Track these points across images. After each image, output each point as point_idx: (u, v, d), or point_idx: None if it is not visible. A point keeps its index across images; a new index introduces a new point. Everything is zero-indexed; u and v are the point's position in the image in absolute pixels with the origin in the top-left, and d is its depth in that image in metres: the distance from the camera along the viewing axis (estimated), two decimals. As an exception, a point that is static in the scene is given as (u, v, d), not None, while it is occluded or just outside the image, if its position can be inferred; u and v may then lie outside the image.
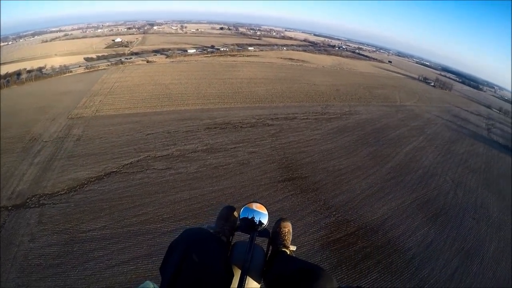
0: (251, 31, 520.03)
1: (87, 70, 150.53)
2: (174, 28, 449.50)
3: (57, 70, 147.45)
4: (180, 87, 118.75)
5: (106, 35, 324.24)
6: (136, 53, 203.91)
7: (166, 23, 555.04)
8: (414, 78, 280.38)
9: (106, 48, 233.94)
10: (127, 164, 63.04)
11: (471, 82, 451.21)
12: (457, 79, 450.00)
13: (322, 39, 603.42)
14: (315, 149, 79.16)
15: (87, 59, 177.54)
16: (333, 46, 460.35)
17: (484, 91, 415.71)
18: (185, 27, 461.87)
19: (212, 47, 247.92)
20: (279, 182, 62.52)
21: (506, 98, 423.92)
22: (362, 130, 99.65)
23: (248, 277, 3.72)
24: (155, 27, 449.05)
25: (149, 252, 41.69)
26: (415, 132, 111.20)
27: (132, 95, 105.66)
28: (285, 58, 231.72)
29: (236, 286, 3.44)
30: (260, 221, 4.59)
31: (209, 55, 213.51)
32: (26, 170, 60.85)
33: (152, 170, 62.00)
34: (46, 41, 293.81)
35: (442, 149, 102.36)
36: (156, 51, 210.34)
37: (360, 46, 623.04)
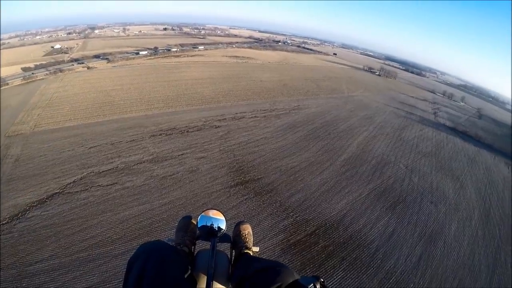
0: (196, 30, 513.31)
1: (24, 81, 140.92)
2: (116, 31, 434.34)
3: None
4: (122, 93, 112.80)
5: (45, 42, 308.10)
6: (77, 60, 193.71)
7: (108, 26, 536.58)
8: (359, 69, 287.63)
9: (44, 55, 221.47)
10: (70, 183, 57.84)
11: (414, 69, 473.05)
12: (401, 67, 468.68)
13: (267, 35, 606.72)
14: (266, 148, 76.75)
15: (24, 69, 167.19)
16: (278, 42, 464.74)
17: (427, 77, 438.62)
18: (128, 30, 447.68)
19: (155, 48, 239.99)
20: (232, 187, 59.66)
21: (448, 82, 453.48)
22: (312, 124, 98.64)
23: (215, 283, 3.85)
24: (96, 31, 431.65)
25: (102, 279, 38.45)
26: (365, 122, 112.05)
27: (72, 105, 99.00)
28: (230, 56, 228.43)
29: None
30: (219, 227, 4.60)
31: (152, 57, 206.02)
32: (-38, 202, 55.94)
33: (97, 187, 57.27)
34: None
35: (393, 136, 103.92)
36: (97, 56, 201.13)
37: (305, 40, 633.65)
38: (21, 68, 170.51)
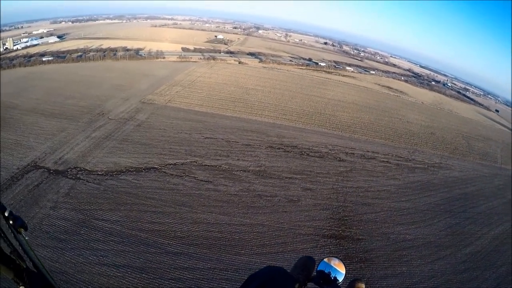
0: (355, 51, 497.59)
1: (178, 60, 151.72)
2: (278, 35, 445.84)
3: (152, 54, 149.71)
4: (260, 95, 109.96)
5: (211, 31, 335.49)
6: (232, 52, 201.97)
7: (273, 29, 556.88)
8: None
9: (206, 42, 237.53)
10: (171, 165, 58.59)
11: None
12: None
13: (428, 72, 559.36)
14: (383, 205, 63.92)
15: (183, 49, 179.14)
16: (438, 82, 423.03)
17: None
18: (290, 36, 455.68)
19: (310, 60, 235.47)
20: (323, 237, 50.80)
21: None
22: (449, 191, 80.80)
23: None
24: (260, 31, 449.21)
25: (142, 266, 38.39)
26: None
27: (209, 92, 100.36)
28: (383, 86, 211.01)
29: None
30: (335, 277, 4.27)
31: (303, 67, 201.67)
32: (81, 141, 62.44)
33: (191, 178, 56.35)
34: (155, 26, 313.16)
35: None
36: (251, 54, 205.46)
37: (467, 87, 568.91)
38: (181, 48, 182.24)
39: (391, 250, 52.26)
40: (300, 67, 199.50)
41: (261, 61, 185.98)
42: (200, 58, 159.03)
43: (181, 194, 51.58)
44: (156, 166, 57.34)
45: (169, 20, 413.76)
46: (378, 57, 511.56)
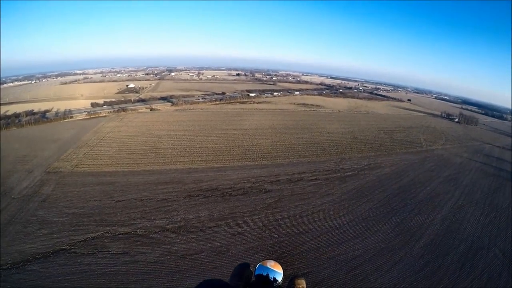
0: (268, 76, 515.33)
1: (87, 117, 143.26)
2: (191, 74, 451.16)
3: (59, 114, 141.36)
4: (173, 140, 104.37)
5: (122, 80, 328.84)
6: (143, 100, 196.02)
7: (186, 69, 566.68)
8: (436, 115, 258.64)
9: (116, 93, 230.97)
10: (81, 242, 50.27)
11: (494, 112, 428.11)
12: (479, 111, 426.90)
13: (339, 81, 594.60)
14: (322, 227, 58.72)
15: (93, 105, 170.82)
16: (350, 88, 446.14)
17: (509, 120, 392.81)
18: (202, 74, 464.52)
19: (223, 93, 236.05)
20: None
21: None
22: (385, 190, 78.62)
23: None
24: (172, 74, 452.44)
25: None
26: (449, 186, 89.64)
27: (119, 148, 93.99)
28: (298, 104, 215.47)
29: None
30: (274, 278, 4.58)
31: (217, 102, 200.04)
32: (-20, 233, 53.37)
33: (105, 253, 48.04)
34: (65, 83, 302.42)
35: (484, 205, 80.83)
36: (163, 98, 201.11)
37: (377, 86, 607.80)
38: (91, 103, 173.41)
39: (343, 273, 46.75)
40: (214, 103, 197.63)
41: (173, 104, 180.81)
42: (110, 112, 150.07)
43: (96, 275, 43.43)
44: (65, 247, 48.86)
45: (80, 75, 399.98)
46: (290, 78, 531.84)
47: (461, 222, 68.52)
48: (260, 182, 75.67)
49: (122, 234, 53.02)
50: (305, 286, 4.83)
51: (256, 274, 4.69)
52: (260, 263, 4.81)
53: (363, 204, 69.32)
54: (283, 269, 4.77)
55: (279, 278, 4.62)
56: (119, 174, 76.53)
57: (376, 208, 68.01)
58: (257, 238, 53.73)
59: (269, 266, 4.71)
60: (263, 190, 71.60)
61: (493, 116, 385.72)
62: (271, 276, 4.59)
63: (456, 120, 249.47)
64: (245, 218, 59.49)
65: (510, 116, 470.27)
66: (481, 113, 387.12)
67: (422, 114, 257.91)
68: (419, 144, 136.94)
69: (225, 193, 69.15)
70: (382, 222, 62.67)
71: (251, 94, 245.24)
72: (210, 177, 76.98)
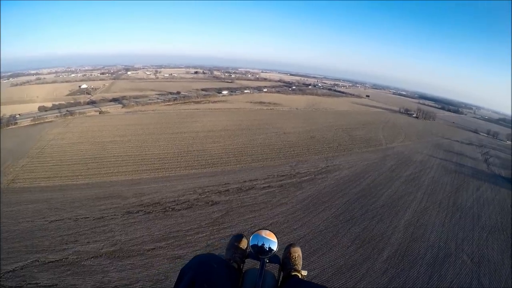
0: (226, 74, 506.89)
1: (32, 123, 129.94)
2: (148, 73, 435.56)
3: (3, 121, 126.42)
4: (118, 147, 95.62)
5: (76, 81, 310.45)
6: (94, 102, 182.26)
7: (143, 68, 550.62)
8: (395, 111, 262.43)
9: (67, 95, 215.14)
10: (9, 272, 42.56)
11: (450, 107, 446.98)
12: (436, 105, 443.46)
13: (298, 78, 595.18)
14: (275, 243, 52.44)
15: (40, 109, 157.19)
16: (308, 85, 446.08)
17: (465, 114, 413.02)
18: (159, 72, 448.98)
19: (178, 93, 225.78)
20: None
21: (486, 117, 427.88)
22: (344, 195, 73.57)
23: None
24: (129, 73, 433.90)
25: None
26: (411, 186, 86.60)
27: (60, 158, 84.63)
28: (255, 102, 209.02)
29: None
30: (269, 248, 4.54)
31: (171, 103, 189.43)
32: None
33: (33, 286, 40.52)
34: (16, 85, 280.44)
35: (448, 206, 78.27)
36: (115, 99, 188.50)
37: (336, 83, 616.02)
38: (38, 107, 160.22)
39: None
40: (167, 103, 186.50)
41: (123, 106, 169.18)
42: (57, 116, 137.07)
43: (21, 314, 36.20)
44: (-8, 279, 41.13)
45: (33, 75, 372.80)
46: (249, 75, 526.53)
47: (426, 227, 64.73)
48: (208, 193, 68.60)
49: (53, 261, 45.22)
50: (300, 254, 4.88)
51: (251, 244, 4.54)
52: (255, 233, 4.61)
53: (320, 213, 63.58)
54: (277, 238, 4.57)
55: (274, 247, 4.50)
56: (56, 189, 67.62)
57: (335, 217, 62.49)
58: None
59: (264, 236, 4.56)
60: (210, 202, 64.50)
61: (449, 110, 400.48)
62: (266, 245, 4.47)
63: (414, 115, 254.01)
64: (187, 238, 52.31)
65: (465, 109, 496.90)
66: (438, 108, 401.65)
67: (381, 110, 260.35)
68: (378, 141, 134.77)
69: (167, 208, 61.65)
70: (341, 234, 57.18)
71: (206, 93, 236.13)
72: (153, 189, 69.25)
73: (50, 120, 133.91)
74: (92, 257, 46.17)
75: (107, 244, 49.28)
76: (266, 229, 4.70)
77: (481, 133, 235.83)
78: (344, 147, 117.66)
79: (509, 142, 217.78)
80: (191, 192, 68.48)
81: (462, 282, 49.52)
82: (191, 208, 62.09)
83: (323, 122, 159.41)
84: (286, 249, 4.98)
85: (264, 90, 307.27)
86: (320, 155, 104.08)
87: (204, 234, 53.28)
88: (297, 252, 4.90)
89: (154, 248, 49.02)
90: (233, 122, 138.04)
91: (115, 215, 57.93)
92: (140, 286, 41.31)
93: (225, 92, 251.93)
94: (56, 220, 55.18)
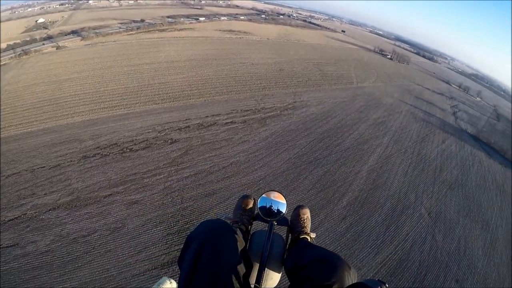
0: (196, 0, 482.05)
1: None
2: (111, 0, 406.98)
3: None
4: (75, 85, 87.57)
5: (33, 15, 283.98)
6: (50, 37, 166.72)
7: None
8: (369, 50, 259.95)
9: (22, 32, 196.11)
10: None
11: (426, 53, 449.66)
12: (412, 50, 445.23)
13: (272, 7, 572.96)
14: (233, 185, 50.47)
15: None
16: (283, 14, 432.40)
17: (439, 63, 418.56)
18: None
19: (142, 21, 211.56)
20: (165, 266, 36.32)
21: (459, 70, 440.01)
22: (309, 135, 71.95)
23: (269, 265, 3.90)
24: (90, 1, 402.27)
25: None
26: (378, 130, 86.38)
27: (15, 104, 75.65)
28: (224, 30, 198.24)
29: (256, 275, 3.67)
30: (278, 210, 4.54)
31: (133, 32, 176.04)
32: None
33: None
34: None
35: (413, 155, 79.19)
36: (74, 32, 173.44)
37: (312, 14, 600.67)
38: None
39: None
40: (129, 32, 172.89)
41: (83, 38, 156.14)
42: (11, 58, 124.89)
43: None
44: None
45: None
46: (220, 2, 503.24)
47: (388, 175, 64.89)
48: (167, 130, 64.88)
49: (12, 219, 41.64)
50: (309, 216, 4.89)
51: (259, 206, 4.50)
52: (263, 194, 4.56)
53: (283, 153, 61.93)
54: (286, 200, 4.54)
55: (283, 209, 4.50)
56: (11, 139, 60.82)
57: (298, 158, 61.10)
58: (157, 206, 44.76)
59: (272, 198, 4.51)
60: (169, 141, 61.15)
61: (424, 56, 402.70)
62: (274, 207, 4.44)
63: (389, 56, 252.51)
64: (145, 180, 49.48)
65: (440, 58, 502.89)
66: (413, 52, 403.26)
67: (355, 47, 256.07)
68: (350, 80, 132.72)
69: (125, 149, 57.84)
70: (303, 176, 56.10)
71: (172, 20, 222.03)
72: (111, 129, 64.52)
73: (3, 63, 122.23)
74: (50, 210, 43.05)
75: (64, 194, 46.00)
76: (274, 190, 4.61)
77: (453, 85, 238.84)
78: (314, 82, 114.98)
79: (479, 99, 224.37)
80: (150, 130, 64.60)
81: (417, 235, 50.68)
82: (149, 147, 58.71)
83: (294, 55, 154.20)
84: (295, 210, 4.91)
85: (241, 17, 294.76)
86: (288, 89, 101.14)
87: (161, 176, 50.66)
88: (306, 214, 4.83)
89: (111, 194, 46.26)
90: (198, 52, 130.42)
91: (71, 161, 53.85)
92: (98, 236, 39.24)
93: (192, 19, 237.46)
94: (13, 174, 50.76)
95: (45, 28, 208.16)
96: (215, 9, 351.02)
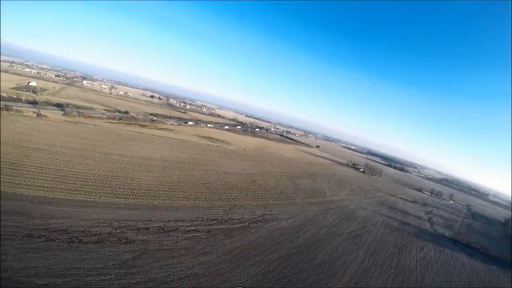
0: (182, 104, 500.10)
1: None
2: (104, 86, 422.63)
3: None
4: (43, 158, 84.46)
5: (28, 76, 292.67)
6: (35, 102, 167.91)
7: (101, 80, 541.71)
8: (343, 164, 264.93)
9: (12, 88, 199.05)
10: None
11: (397, 164, 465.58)
12: (383, 162, 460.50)
13: (253, 120, 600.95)
14: (187, 302, 43.24)
15: None
16: (261, 128, 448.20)
17: (410, 172, 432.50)
18: (115, 88, 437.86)
19: (126, 112, 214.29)
20: None
21: (430, 177, 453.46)
22: (278, 250, 65.85)
23: None
24: (84, 82, 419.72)
25: None
26: (352, 244, 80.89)
27: None
28: (203, 137, 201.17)
29: None
30: None
31: (115, 121, 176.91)
32: None
33: None
34: None
35: (390, 267, 73.65)
36: (59, 105, 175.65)
37: (289, 130, 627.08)
38: None
39: None
40: (111, 121, 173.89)
41: (65, 113, 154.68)
42: None
43: None
44: None
45: None
46: (204, 109, 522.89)
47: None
48: (124, 228, 58.64)
49: None
50: None
51: None
52: None
53: (248, 268, 55.11)
54: None
55: None
56: None
57: (264, 275, 54.09)
58: None
59: None
60: (124, 240, 54.55)
61: (395, 167, 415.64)
62: None
63: (362, 169, 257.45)
64: (88, 278, 42.19)
65: (411, 168, 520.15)
66: (384, 164, 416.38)
67: (329, 161, 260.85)
68: (323, 193, 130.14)
69: (74, 238, 51.19)
70: (269, 296, 49.02)
71: (154, 118, 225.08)
72: (64, 213, 58.47)
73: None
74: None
75: None
76: (240, 286, 7.89)
77: (425, 192, 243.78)
78: (286, 195, 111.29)
79: (451, 202, 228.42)
80: (105, 224, 58.41)
81: None
82: (101, 243, 52.01)
83: (269, 167, 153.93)
84: None
85: (221, 127, 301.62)
86: (259, 201, 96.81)
87: (107, 278, 43.46)
88: None
89: (47, 284, 39.09)
90: (173, 153, 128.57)
91: (14, 235, 47.24)
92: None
93: (174, 122, 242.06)
94: None
95: (34, 92, 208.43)
96: (199, 116, 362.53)
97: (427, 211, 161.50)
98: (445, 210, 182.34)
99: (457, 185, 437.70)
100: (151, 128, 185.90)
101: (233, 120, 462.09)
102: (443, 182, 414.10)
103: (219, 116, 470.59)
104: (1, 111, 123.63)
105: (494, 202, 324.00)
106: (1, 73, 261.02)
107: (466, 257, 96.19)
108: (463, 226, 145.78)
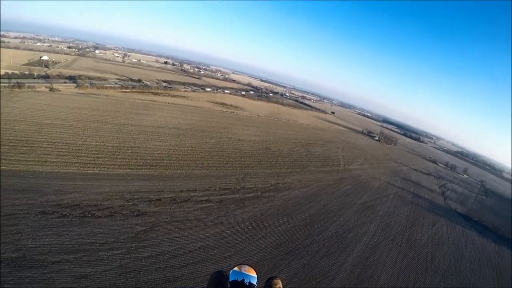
0: (196, 69, 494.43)
1: None
2: (116, 55, 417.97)
3: None
4: (55, 132, 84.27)
5: (39, 50, 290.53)
6: (47, 77, 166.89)
7: (114, 49, 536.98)
8: (358, 131, 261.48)
9: (24, 64, 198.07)
10: None
11: (412, 134, 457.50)
12: (399, 131, 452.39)
13: (267, 85, 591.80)
14: (197, 273, 43.37)
15: None
16: (276, 93, 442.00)
17: (425, 143, 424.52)
18: (128, 56, 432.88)
19: (139, 81, 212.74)
20: None
21: (445, 148, 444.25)
22: (290, 221, 65.62)
23: None
24: (97, 51, 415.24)
25: None
26: (364, 216, 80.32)
27: None
28: (217, 103, 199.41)
29: None
30: (250, 283, 4.43)
31: (128, 90, 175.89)
32: None
33: None
34: None
35: (401, 243, 72.68)
36: (71, 77, 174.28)
37: (304, 95, 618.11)
38: None
39: None
40: (124, 90, 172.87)
41: (77, 86, 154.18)
42: (4, 87, 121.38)
43: None
44: None
45: None
46: (219, 74, 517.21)
47: (376, 267, 58.27)
48: (136, 200, 58.72)
49: None
50: (281, 286, 4.61)
51: (230, 280, 4.34)
52: (234, 268, 4.44)
53: (259, 239, 55.15)
54: (257, 273, 4.42)
55: (254, 282, 4.37)
56: None
57: (275, 247, 54.12)
58: (107, 286, 37.48)
59: (243, 271, 4.42)
60: (136, 212, 54.70)
61: (411, 137, 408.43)
62: (246, 281, 4.33)
63: (376, 138, 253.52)
64: (100, 253, 42.57)
65: (426, 138, 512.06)
66: (400, 133, 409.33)
67: (344, 128, 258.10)
68: (337, 161, 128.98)
69: (86, 213, 51.53)
70: (279, 269, 48.99)
71: (168, 86, 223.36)
72: (77, 188, 58.70)
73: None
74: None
75: (10, 249, 39.85)
76: (245, 264, 4.45)
77: (440, 164, 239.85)
78: (300, 163, 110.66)
79: (466, 176, 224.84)
80: (117, 197, 58.58)
81: None
82: (113, 216, 52.32)
83: (283, 134, 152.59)
84: (267, 282, 4.57)
85: (235, 92, 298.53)
86: (272, 169, 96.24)
87: (119, 251, 43.80)
88: (278, 284, 4.51)
89: (60, 261, 39.59)
90: (186, 121, 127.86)
91: (27, 213, 47.80)
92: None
93: (188, 88, 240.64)
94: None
95: (46, 66, 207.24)
96: (213, 81, 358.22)
97: (440, 184, 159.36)
98: (459, 184, 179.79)
99: (472, 159, 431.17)
100: (164, 95, 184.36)
101: (247, 84, 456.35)
102: (458, 155, 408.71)
103: (233, 81, 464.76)
104: (13, 89, 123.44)
105: (508, 179, 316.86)
106: (14, 50, 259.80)
107: (477, 235, 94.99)
108: (475, 202, 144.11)
